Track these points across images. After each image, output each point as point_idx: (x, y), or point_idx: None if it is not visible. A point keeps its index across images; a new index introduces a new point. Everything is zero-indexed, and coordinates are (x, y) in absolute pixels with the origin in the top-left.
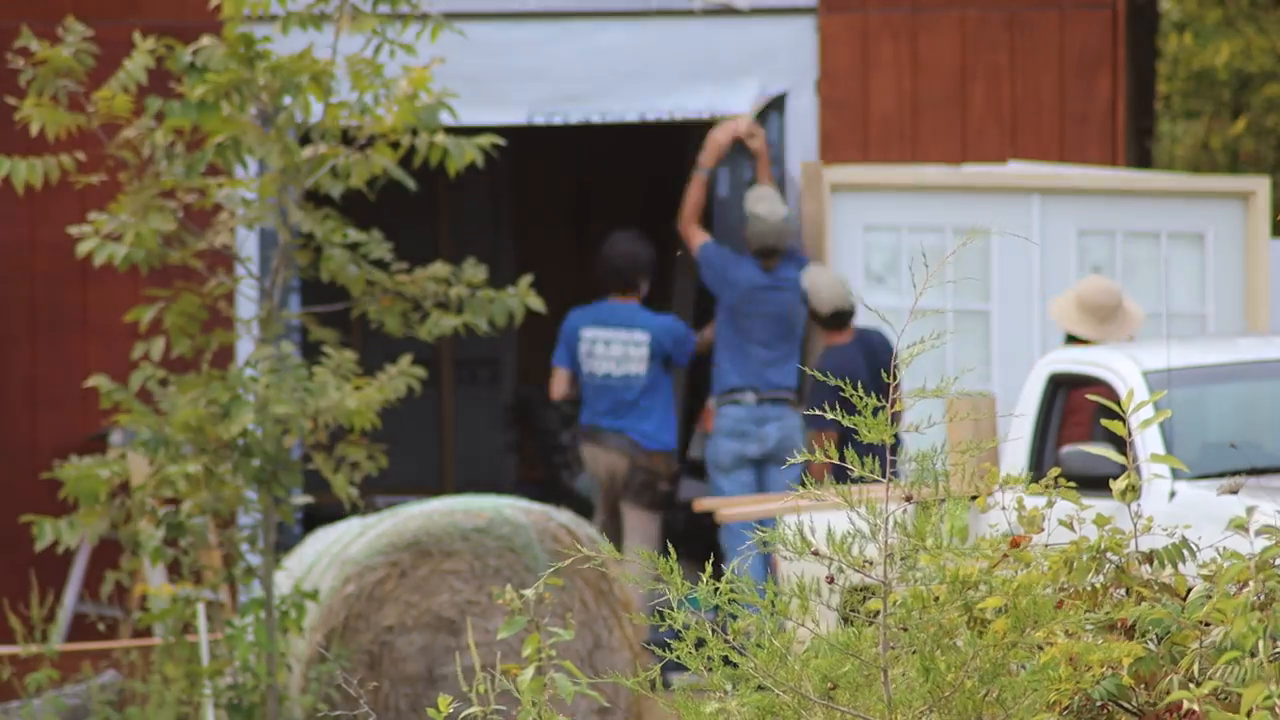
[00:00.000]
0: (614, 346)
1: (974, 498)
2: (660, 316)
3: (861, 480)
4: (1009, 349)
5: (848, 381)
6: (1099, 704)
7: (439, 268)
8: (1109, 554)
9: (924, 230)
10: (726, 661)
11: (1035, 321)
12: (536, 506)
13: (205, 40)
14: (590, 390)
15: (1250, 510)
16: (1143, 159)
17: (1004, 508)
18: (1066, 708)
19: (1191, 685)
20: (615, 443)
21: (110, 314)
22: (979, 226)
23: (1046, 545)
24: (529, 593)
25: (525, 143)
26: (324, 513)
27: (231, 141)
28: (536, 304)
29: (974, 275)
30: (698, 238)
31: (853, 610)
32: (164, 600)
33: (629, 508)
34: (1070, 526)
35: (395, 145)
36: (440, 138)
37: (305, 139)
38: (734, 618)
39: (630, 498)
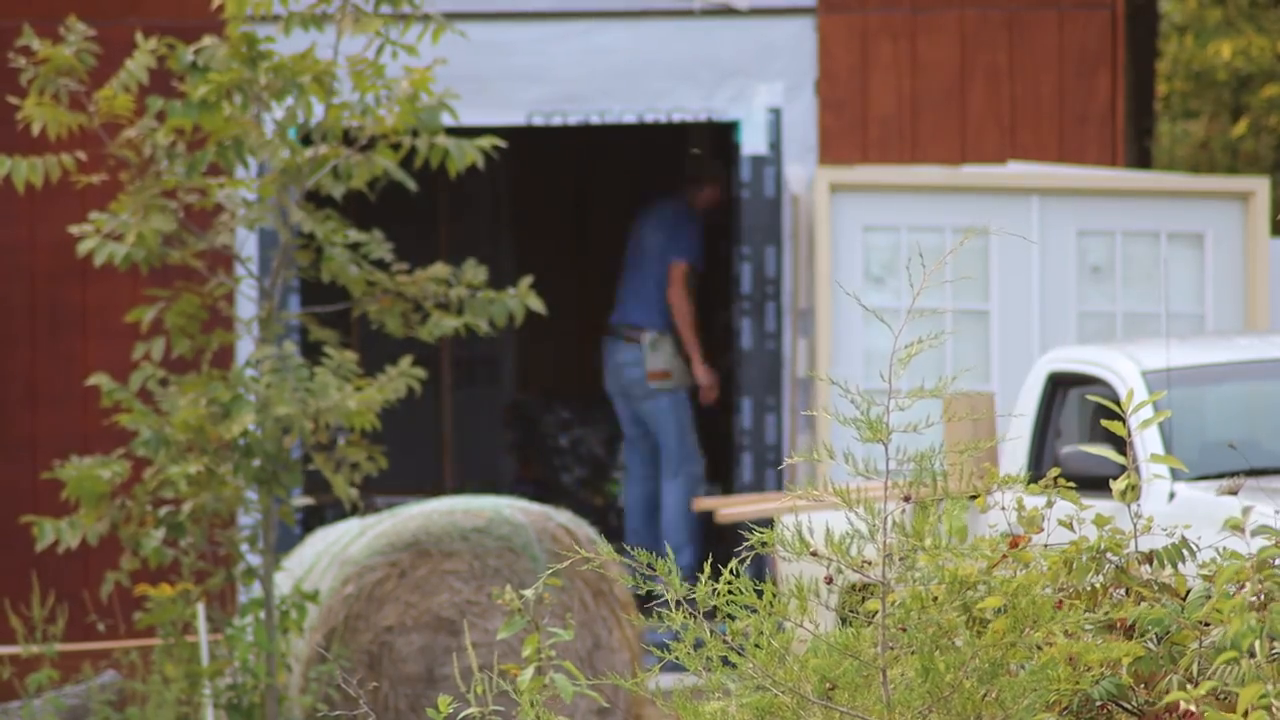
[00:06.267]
0: None
1: (973, 497)
2: None
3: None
4: (1009, 349)
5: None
6: (1098, 704)
7: (439, 268)
8: (1109, 554)
9: (923, 230)
10: (725, 662)
11: (1035, 321)
12: (536, 507)
13: (207, 40)
14: None
15: (1246, 510)
16: (1142, 159)
17: (1003, 508)
18: (1066, 708)
19: (1190, 685)
20: None
21: (110, 314)
22: (977, 226)
23: (1046, 545)
24: (528, 593)
25: (525, 143)
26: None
27: (233, 141)
28: (536, 304)
29: (973, 275)
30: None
31: (851, 610)
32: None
33: None
34: (1070, 527)
35: (396, 146)
36: (441, 139)
37: (307, 139)
38: (732, 618)
39: None
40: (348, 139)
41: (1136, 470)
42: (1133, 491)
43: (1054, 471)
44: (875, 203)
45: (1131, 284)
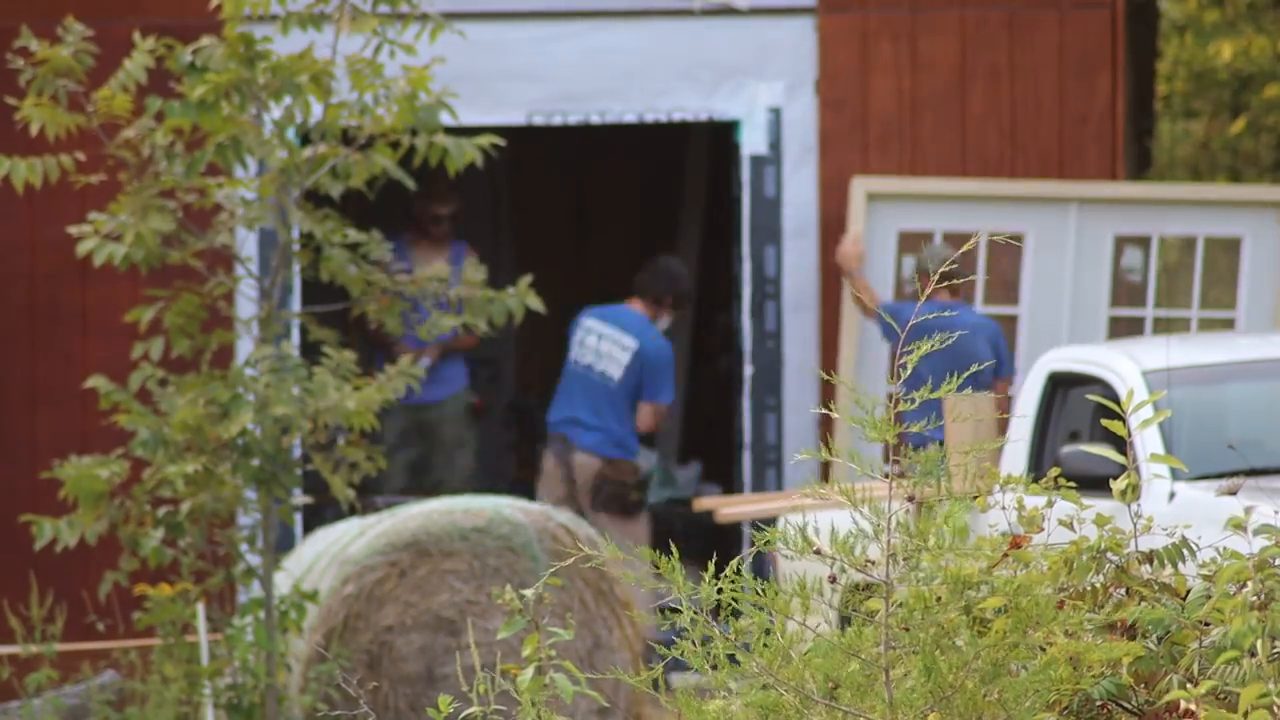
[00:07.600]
0: (603, 342)
1: (975, 498)
2: (657, 337)
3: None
4: (1037, 353)
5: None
6: (1099, 703)
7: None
8: (1109, 554)
9: (958, 238)
10: (730, 659)
11: (1064, 326)
12: (536, 506)
13: (205, 40)
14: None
15: (1248, 510)
16: (1142, 159)
17: (1004, 508)
18: (1066, 707)
19: (1190, 685)
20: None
21: (110, 314)
22: (1006, 234)
23: (1046, 545)
24: (528, 593)
25: (525, 143)
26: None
27: (231, 141)
28: (536, 304)
29: (1003, 280)
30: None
31: (853, 610)
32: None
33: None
34: (1070, 526)
35: (395, 145)
36: (440, 138)
37: (305, 139)
38: (737, 615)
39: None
40: (346, 138)
41: (1136, 470)
42: (1133, 491)
43: (1054, 471)
44: (911, 211)
45: (1167, 288)
